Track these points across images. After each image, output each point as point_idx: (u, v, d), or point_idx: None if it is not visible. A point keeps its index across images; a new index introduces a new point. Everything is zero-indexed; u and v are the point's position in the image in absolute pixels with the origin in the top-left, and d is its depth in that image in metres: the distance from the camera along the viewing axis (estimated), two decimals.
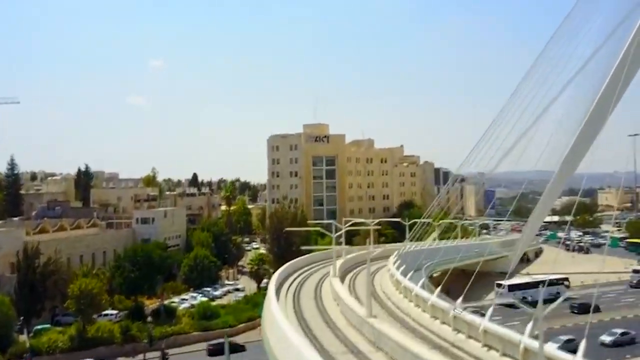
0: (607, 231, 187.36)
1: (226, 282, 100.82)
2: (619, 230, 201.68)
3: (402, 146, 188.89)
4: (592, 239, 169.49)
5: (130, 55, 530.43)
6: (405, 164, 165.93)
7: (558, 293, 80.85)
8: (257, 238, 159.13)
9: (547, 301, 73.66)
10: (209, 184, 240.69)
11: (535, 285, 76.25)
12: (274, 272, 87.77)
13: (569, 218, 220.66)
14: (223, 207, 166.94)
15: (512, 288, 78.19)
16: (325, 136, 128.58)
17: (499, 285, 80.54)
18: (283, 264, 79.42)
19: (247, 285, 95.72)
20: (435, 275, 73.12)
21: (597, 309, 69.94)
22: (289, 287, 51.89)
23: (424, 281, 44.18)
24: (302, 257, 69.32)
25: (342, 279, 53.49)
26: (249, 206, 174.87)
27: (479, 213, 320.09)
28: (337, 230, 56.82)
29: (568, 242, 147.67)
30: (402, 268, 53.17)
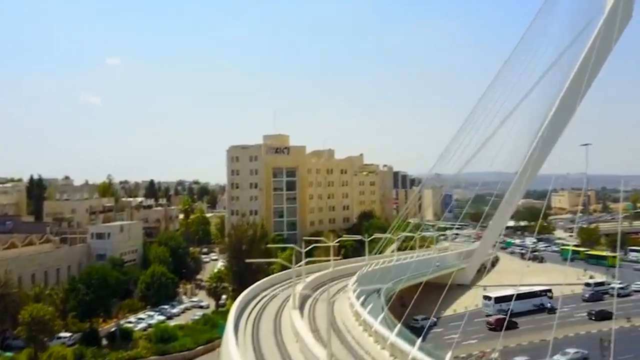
0: (560, 238, 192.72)
1: (184, 298, 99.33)
2: (571, 236, 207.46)
3: (361, 155, 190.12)
4: (546, 247, 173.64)
5: (85, 52, 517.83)
6: (364, 173, 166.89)
7: (542, 304, 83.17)
8: (216, 248, 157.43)
9: (532, 312, 74.30)
10: (167, 190, 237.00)
11: (521, 297, 77.97)
12: (232, 290, 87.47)
13: (523, 223, 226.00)
14: (181, 217, 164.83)
15: (499, 300, 79.82)
16: (285, 147, 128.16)
17: (487, 298, 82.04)
18: (242, 281, 78.97)
19: (206, 301, 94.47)
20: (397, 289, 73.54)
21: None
22: (249, 316, 51.28)
23: (384, 315, 44.37)
24: (262, 280, 68.68)
25: (302, 306, 53.24)
26: (208, 215, 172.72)
27: (437, 217, 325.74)
28: (297, 255, 56.63)
29: (523, 251, 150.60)
30: (362, 297, 53.37)
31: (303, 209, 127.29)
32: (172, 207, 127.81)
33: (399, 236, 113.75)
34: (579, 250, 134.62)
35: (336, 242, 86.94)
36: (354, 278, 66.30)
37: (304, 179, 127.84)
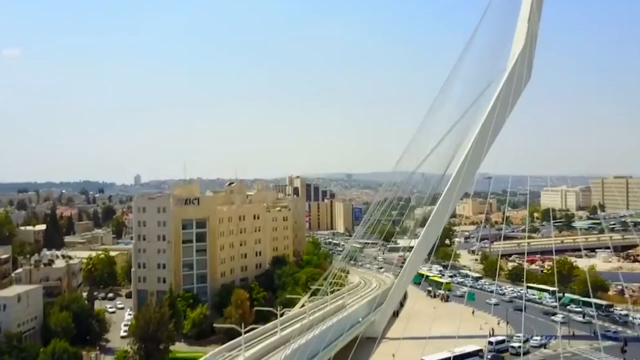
0: (465, 266, 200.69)
1: None
2: (475, 260, 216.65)
3: (273, 185, 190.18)
4: (451, 276, 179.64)
5: None
6: (277, 209, 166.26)
7: None
8: (122, 290, 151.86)
9: None
10: (69, 219, 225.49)
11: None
12: None
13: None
14: (85, 257, 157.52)
15: None
16: (195, 198, 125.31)
17: None
18: None
19: None
20: None
21: None
22: None
23: None
24: None
25: None
26: (113, 252, 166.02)
27: (348, 231, 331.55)
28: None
29: (429, 288, 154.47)
30: None
31: (214, 260, 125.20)
32: (74, 262, 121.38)
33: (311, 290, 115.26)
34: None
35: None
36: None
37: (215, 229, 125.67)
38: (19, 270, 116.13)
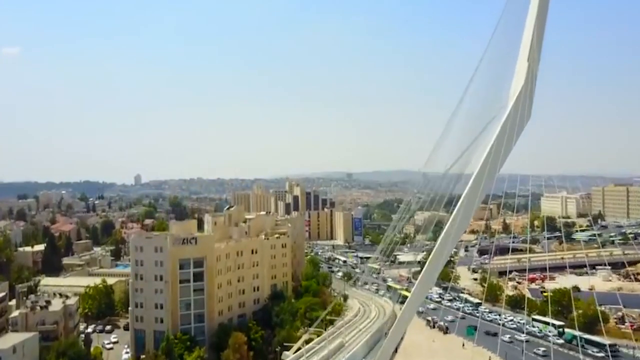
0: (464, 289, 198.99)
1: None
2: (475, 280, 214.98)
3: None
4: (450, 300, 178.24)
5: None
6: (276, 236, 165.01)
7: None
8: (120, 321, 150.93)
9: None
10: (68, 239, 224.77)
11: None
12: None
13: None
14: (83, 285, 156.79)
15: None
16: (193, 238, 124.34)
17: None
18: None
19: None
20: None
21: None
22: None
23: None
24: None
25: None
26: (111, 280, 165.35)
27: (347, 242, 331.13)
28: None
29: (429, 318, 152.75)
30: None
31: (211, 300, 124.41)
32: (71, 303, 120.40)
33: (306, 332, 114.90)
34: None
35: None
36: None
37: (213, 268, 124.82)
38: (15, 313, 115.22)
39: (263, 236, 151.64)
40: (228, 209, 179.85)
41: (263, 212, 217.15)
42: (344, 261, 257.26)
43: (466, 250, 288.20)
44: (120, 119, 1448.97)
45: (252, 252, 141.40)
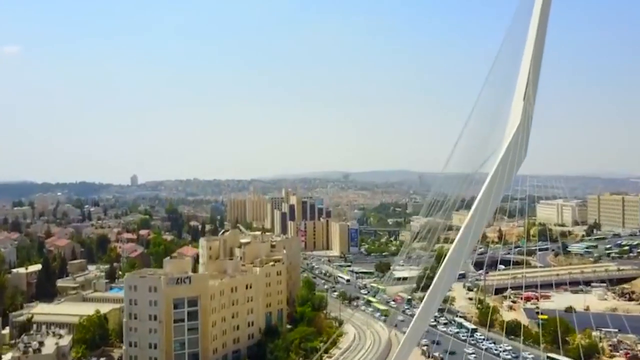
0: (459, 311, 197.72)
1: None
2: (470, 299, 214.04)
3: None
4: (445, 324, 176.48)
5: None
6: (271, 264, 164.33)
7: None
8: (115, 352, 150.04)
9: None
10: (62, 259, 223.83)
11: None
12: None
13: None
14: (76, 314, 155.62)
15: None
16: (187, 277, 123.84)
17: None
18: None
19: None
20: None
21: None
22: None
23: None
24: None
25: None
26: (104, 308, 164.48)
27: (343, 253, 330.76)
28: None
29: (424, 347, 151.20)
30: None
31: (206, 338, 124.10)
32: (64, 341, 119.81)
33: None
34: None
35: None
36: None
37: (207, 307, 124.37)
38: (8, 357, 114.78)
39: (258, 268, 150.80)
40: (223, 233, 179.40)
41: (258, 232, 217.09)
42: (345, 279, 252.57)
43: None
44: (118, 119, 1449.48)
45: (247, 287, 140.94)
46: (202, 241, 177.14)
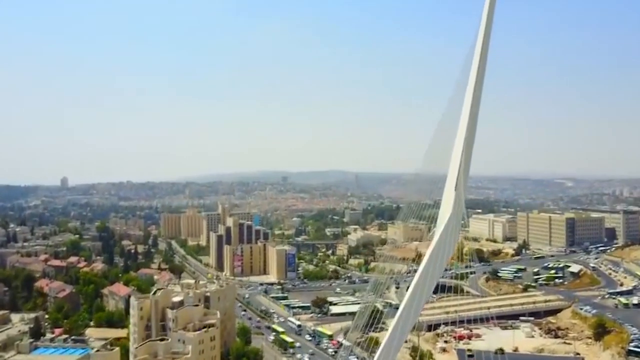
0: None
1: None
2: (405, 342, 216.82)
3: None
4: None
5: None
6: (204, 330, 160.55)
7: None
8: None
9: None
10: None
11: None
12: None
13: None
14: None
15: None
16: None
17: None
18: None
19: None
20: None
21: None
22: None
23: None
24: None
25: None
26: None
27: (281, 276, 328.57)
28: None
29: None
30: None
31: None
32: None
33: None
34: None
35: None
36: None
37: None
38: None
39: (190, 346, 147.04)
40: (154, 293, 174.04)
41: (192, 281, 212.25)
42: (296, 325, 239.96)
43: (397, 288, 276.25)
44: (48, 118, 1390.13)
45: None
46: (132, 301, 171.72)
